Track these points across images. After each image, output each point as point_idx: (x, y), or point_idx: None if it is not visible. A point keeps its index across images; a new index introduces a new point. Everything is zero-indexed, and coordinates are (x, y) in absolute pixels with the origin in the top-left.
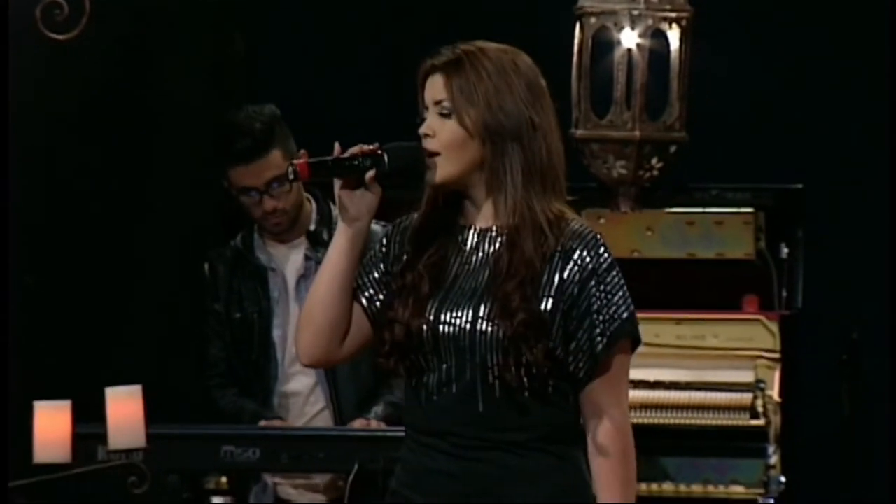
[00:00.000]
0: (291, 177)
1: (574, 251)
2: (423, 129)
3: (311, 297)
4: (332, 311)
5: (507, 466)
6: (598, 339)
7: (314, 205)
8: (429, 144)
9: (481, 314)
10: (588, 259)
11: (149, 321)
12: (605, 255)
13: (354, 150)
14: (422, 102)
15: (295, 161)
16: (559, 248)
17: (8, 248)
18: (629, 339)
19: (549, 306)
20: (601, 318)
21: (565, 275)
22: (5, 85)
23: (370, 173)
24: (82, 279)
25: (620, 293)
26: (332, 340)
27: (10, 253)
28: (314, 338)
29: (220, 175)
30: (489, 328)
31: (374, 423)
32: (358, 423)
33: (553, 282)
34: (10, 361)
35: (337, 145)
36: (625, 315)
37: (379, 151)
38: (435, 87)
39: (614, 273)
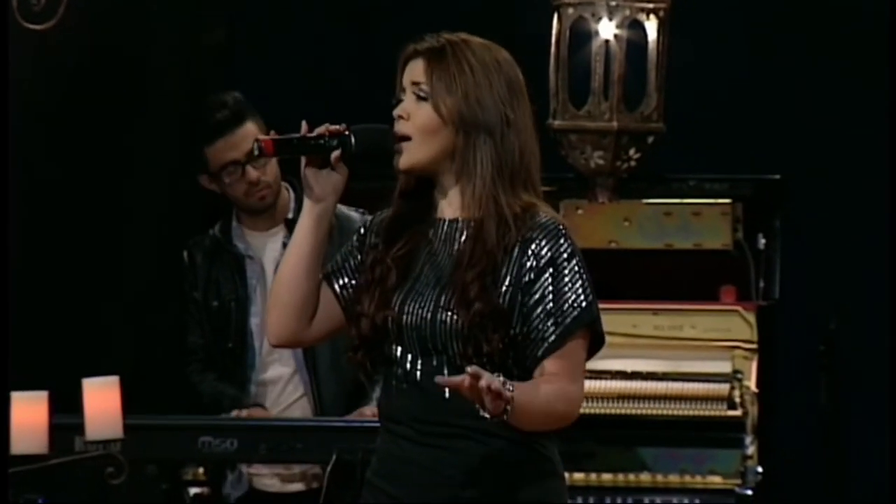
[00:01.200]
0: (256, 152)
1: (533, 241)
2: (397, 111)
3: (278, 277)
4: (298, 290)
5: (473, 455)
6: (552, 328)
7: (292, 193)
8: (401, 127)
9: (441, 304)
10: (546, 249)
11: (127, 311)
12: (565, 245)
13: (321, 129)
14: (399, 85)
15: (260, 137)
16: (520, 239)
17: (7, 244)
18: (586, 330)
19: (507, 296)
20: (556, 307)
21: (523, 263)
22: (5, 84)
23: (335, 153)
24: (60, 269)
25: (579, 283)
26: (299, 320)
27: (8, 248)
28: (281, 317)
29: (198, 168)
30: (448, 317)
31: (368, 412)
32: (366, 410)
33: (511, 272)
34: (8, 353)
35: (304, 123)
36: (583, 305)
37: (346, 132)
38: (415, 70)
39: (574, 263)
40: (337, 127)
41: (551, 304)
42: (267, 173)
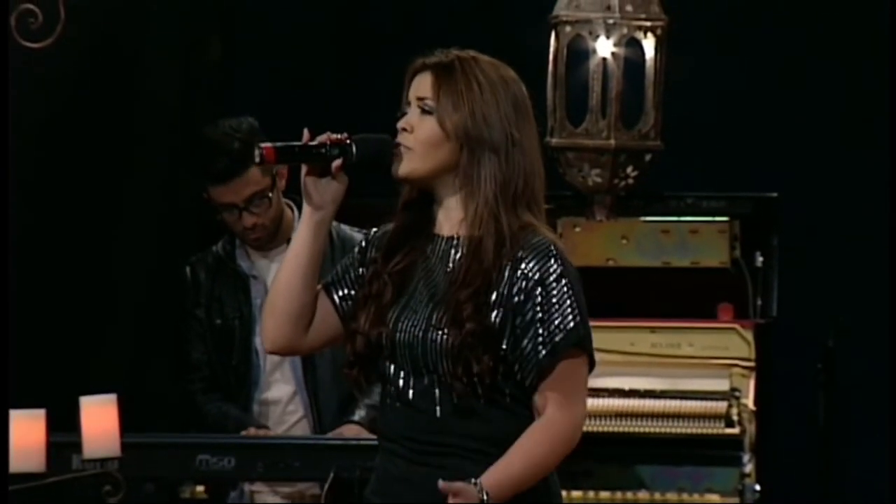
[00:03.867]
0: (257, 160)
1: (522, 261)
2: (401, 124)
3: (275, 285)
4: (295, 299)
5: (466, 473)
6: (541, 347)
7: (296, 212)
8: (403, 140)
9: (433, 322)
10: (534, 269)
11: (124, 329)
12: (555, 265)
13: (323, 137)
14: (405, 98)
15: (262, 144)
16: (512, 259)
17: (8, 263)
18: (578, 349)
19: (499, 317)
20: (545, 327)
21: (512, 284)
22: (5, 94)
23: (337, 162)
24: (57, 286)
25: (569, 303)
26: (295, 328)
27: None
28: (277, 325)
29: (199, 189)
30: (439, 336)
31: (354, 429)
32: (345, 430)
33: (503, 292)
34: (8, 372)
35: (306, 132)
36: (570, 325)
37: (347, 141)
38: (422, 85)
39: (564, 283)
40: (338, 136)
41: (540, 327)
42: (264, 216)
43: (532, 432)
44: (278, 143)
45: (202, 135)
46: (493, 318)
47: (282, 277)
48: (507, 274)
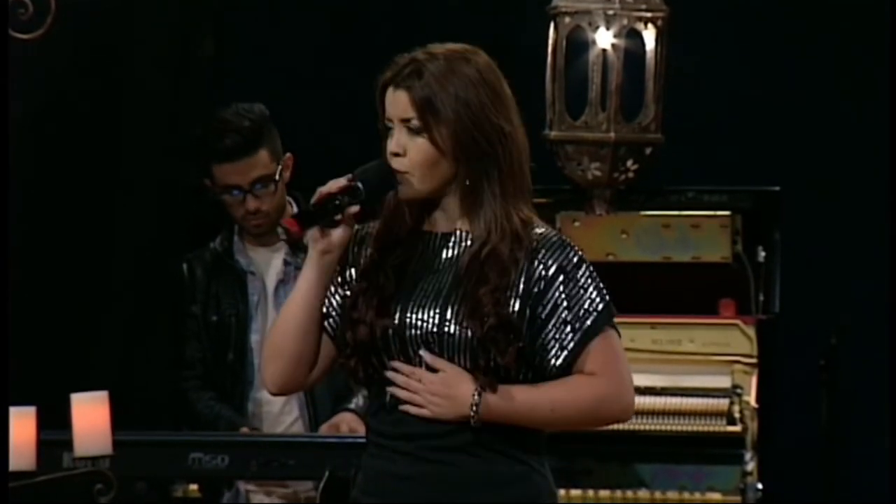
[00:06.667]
0: (284, 238)
1: (538, 252)
2: (392, 148)
3: (279, 328)
4: (302, 342)
5: (469, 470)
6: (570, 335)
7: (295, 208)
8: (399, 165)
9: (448, 316)
10: (552, 259)
11: (116, 326)
12: (572, 253)
13: (332, 189)
14: (382, 116)
15: (283, 221)
16: (527, 251)
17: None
18: (609, 328)
19: (516, 308)
20: (572, 314)
21: (530, 276)
22: (5, 94)
23: (353, 209)
24: (47, 283)
25: (593, 286)
26: (300, 370)
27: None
28: (283, 369)
29: (203, 173)
30: (457, 330)
31: (349, 417)
32: (340, 418)
33: (519, 285)
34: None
35: (318, 191)
36: (599, 308)
37: (353, 182)
38: (399, 104)
39: (584, 268)
40: (343, 181)
41: (566, 313)
42: (268, 203)
43: (562, 380)
44: (295, 213)
45: (215, 114)
46: (511, 310)
47: (286, 321)
48: (523, 266)
